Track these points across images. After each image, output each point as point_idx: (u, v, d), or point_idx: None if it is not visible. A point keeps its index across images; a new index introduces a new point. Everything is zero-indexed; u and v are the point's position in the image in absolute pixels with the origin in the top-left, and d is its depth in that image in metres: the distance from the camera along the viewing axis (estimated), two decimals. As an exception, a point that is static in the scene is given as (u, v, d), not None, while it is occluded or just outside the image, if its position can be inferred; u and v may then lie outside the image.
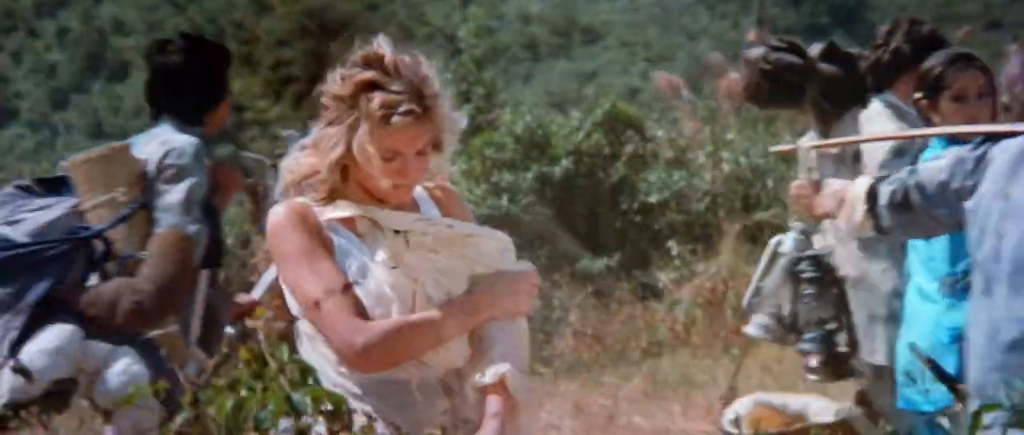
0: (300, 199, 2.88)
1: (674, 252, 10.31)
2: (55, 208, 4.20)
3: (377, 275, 2.82)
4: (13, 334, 3.94)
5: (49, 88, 27.79)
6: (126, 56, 28.19)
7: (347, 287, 2.77)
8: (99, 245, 4.13)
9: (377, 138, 2.76)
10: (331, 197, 2.86)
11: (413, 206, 2.97)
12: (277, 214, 2.84)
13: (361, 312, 2.77)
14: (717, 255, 10.29)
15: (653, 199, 10.95)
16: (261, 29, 27.12)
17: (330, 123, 2.82)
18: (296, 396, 1.97)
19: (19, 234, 4.08)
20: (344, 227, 2.87)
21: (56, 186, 4.30)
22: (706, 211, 10.82)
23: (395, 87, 2.76)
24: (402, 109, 2.74)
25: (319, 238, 2.82)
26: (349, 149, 2.79)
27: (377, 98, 2.75)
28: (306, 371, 2.11)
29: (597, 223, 11.00)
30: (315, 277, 2.77)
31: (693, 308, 9.55)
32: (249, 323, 1.92)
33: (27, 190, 4.29)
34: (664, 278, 10.08)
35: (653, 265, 10.38)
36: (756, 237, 10.49)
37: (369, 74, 2.77)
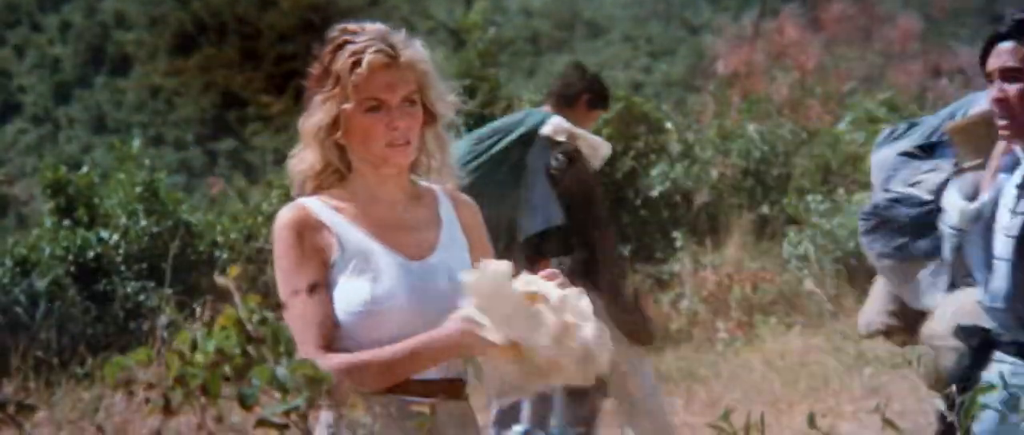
0: (303, 199, 2.86)
1: (679, 245, 10.31)
2: (942, 170, 4.30)
3: (391, 272, 2.79)
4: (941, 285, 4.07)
5: (52, 82, 27.79)
6: (128, 50, 28.20)
7: (313, 288, 2.76)
8: None
9: (355, 91, 2.76)
10: (331, 184, 2.87)
11: (431, 200, 2.94)
12: (278, 216, 2.86)
13: (326, 318, 2.74)
14: (723, 249, 10.29)
15: (656, 192, 10.95)
16: (264, 24, 27.08)
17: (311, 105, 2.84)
18: (280, 370, 1.89)
19: (922, 192, 4.21)
20: (347, 219, 2.84)
21: (931, 151, 4.38)
22: (713, 204, 10.82)
23: (361, 38, 2.79)
24: (371, 50, 2.76)
25: (309, 238, 2.80)
26: (335, 122, 2.80)
27: (346, 50, 2.77)
28: (285, 339, 1.97)
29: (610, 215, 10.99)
30: (286, 277, 2.79)
31: (697, 302, 9.56)
32: (220, 280, 1.86)
33: (911, 155, 4.40)
34: (670, 271, 10.08)
35: (660, 258, 10.38)
36: (762, 231, 10.50)
37: (337, 39, 2.81)
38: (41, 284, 9.70)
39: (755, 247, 10.30)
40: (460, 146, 5.03)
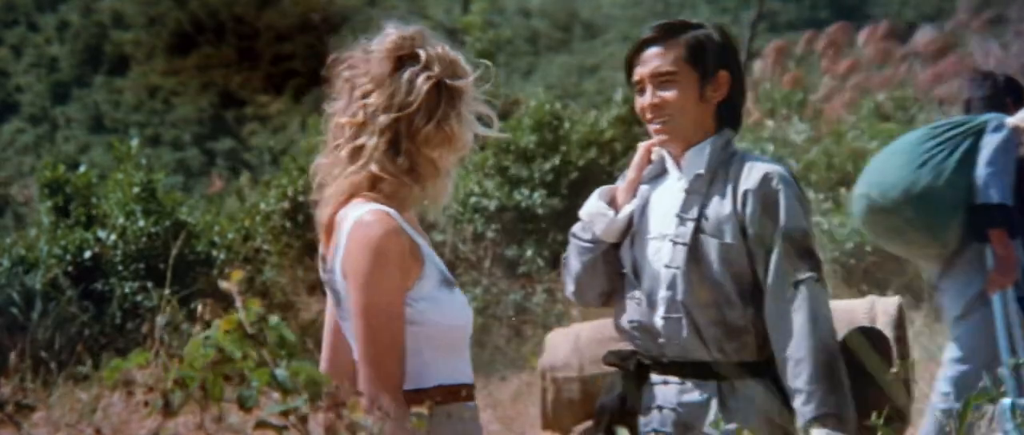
0: (381, 207, 2.63)
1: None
2: None
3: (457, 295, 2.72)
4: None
5: (49, 82, 27.79)
6: (126, 50, 28.19)
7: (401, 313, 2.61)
8: None
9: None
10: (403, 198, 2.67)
11: None
12: (386, 223, 2.60)
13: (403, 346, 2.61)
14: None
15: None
16: (261, 24, 27.08)
17: (364, 107, 2.62)
18: (280, 372, 1.87)
19: None
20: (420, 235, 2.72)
21: None
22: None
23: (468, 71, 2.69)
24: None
25: (404, 250, 2.61)
26: (411, 126, 2.60)
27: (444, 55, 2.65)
28: (288, 342, 1.91)
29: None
30: (380, 290, 2.58)
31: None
32: (223, 285, 1.83)
33: None
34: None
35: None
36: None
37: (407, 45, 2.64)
38: (38, 284, 9.70)
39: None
40: None
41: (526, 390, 8.16)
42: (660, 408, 3.27)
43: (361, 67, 2.62)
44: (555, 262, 10.07)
